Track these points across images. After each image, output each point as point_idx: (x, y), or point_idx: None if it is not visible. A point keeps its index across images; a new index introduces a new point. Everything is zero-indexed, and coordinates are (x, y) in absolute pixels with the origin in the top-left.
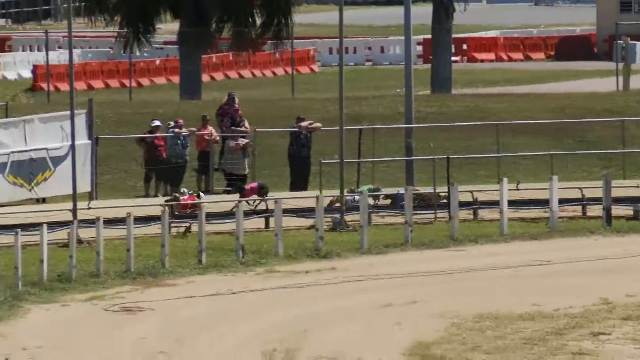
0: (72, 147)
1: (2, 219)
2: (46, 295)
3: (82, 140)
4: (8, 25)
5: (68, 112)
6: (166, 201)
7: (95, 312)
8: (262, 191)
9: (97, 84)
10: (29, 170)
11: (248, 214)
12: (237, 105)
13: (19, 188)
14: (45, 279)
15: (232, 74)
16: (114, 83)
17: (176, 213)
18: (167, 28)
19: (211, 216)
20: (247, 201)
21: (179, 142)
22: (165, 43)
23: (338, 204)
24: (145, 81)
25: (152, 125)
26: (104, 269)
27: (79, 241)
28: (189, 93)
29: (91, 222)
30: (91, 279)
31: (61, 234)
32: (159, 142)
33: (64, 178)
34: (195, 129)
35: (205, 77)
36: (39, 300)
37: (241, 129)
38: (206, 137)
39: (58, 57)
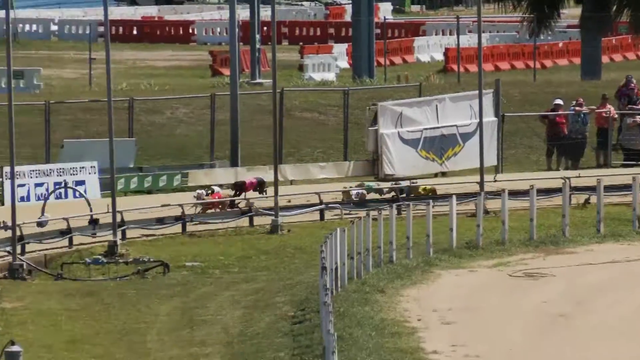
0: (480, 124)
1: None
2: (455, 261)
3: (489, 117)
4: (422, 11)
5: (476, 92)
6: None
7: (500, 277)
8: (261, 187)
9: (504, 65)
10: (440, 145)
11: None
12: (633, 86)
13: (431, 162)
14: (454, 246)
15: (630, 56)
16: (519, 64)
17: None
18: (570, 13)
19: (609, 188)
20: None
21: (579, 119)
22: (568, 27)
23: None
24: (548, 62)
25: (554, 103)
26: (509, 237)
27: (486, 211)
28: (589, 73)
29: (497, 194)
30: (496, 246)
31: (469, 205)
32: (560, 119)
33: (472, 153)
34: (594, 107)
35: (604, 59)
36: (448, 265)
37: (638, 107)
38: (604, 115)
39: (468, 40)
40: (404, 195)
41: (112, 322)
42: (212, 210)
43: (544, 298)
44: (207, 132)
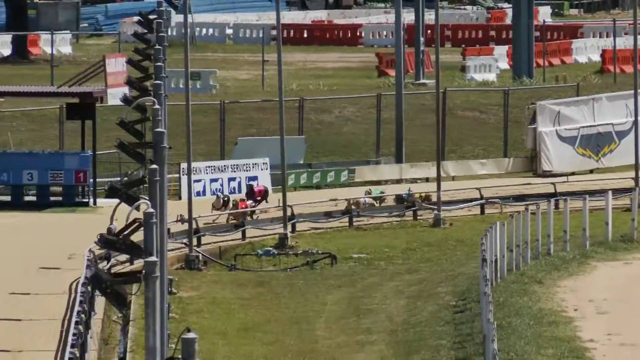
0: (635, 122)
1: (573, 185)
2: (610, 254)
3: None
4: (580, 14)
5: (632, 91)
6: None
7: None
8: (265, 195)
9: None
10: (596, 142)
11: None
12: None
13: (587, 159)
14: (610, 239)
15: None
16: None
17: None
18: None
19: None
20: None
21: None
22: None
23: (352, 206)
24: None
25: None
26: None
27: None
28: None
29: None
30: None
31: (624, 200)
32: None
33: (627, 150)
34: None
35: None
36: (604, 258)
37: None
38: None
39: (624, 42)
40: (406, 202)
41: (283, 310)
42: (236, 220)
43: None
44: (373, 130)
